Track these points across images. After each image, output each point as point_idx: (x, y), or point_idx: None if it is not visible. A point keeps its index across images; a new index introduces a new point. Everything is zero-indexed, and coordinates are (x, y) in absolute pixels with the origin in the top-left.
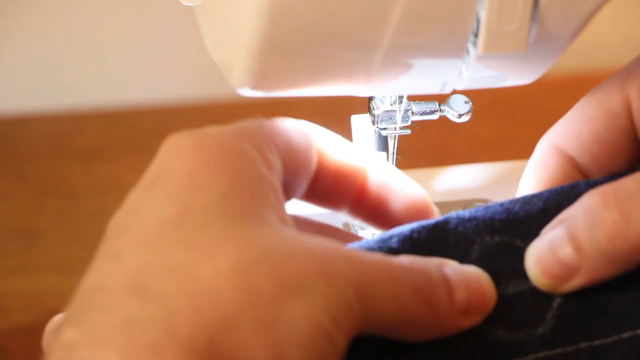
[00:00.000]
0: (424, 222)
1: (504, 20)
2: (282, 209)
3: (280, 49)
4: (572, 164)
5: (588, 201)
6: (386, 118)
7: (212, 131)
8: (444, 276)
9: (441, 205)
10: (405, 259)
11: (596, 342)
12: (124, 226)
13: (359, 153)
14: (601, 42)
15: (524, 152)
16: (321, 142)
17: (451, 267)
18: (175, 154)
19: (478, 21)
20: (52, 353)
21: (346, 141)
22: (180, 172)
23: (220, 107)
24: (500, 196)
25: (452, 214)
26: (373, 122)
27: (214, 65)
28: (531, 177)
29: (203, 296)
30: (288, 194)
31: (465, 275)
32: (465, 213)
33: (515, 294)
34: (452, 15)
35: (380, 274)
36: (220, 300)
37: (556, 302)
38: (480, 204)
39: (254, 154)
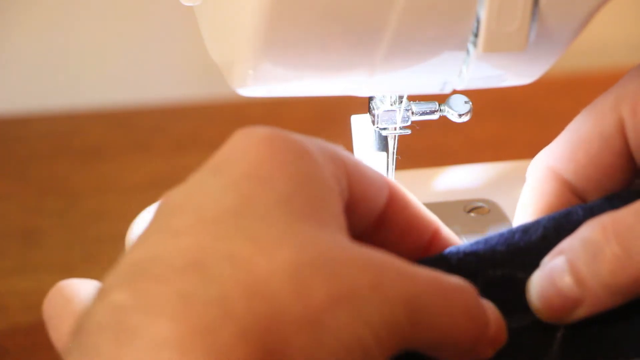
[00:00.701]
0: (425, 259)
1: (504, 20)
2: (342, 218)
3: (281, 49)
4: (569, 187)
5: (587, 234)
6: (386, 118)
7: (284, 132)
8: (484, 304)
9: (441, 205)
10: (456, 278)
11: None
12: (182, 206)
13: (430, 214)
14: (601, 42)
15: (524, 152)
16: (395, 189)
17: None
18: (245, 144)
19: (478, 21)
20: (98, 312)
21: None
22: (247, 162)
23: (220, 107)
24: (500, 196)
25: (452, 248)
26: (373, 122)
27: (214, 65)
28: (528, 203)
29: (258, 287)
30: (349, 221)
31: (492, 308)
32: (466, 247)
33: (520, 328)
34: (452, 15)
35: (434, 291)
36: (274, 294)
37: (560, 333)
38: (481, 204)
39: (321, 160)
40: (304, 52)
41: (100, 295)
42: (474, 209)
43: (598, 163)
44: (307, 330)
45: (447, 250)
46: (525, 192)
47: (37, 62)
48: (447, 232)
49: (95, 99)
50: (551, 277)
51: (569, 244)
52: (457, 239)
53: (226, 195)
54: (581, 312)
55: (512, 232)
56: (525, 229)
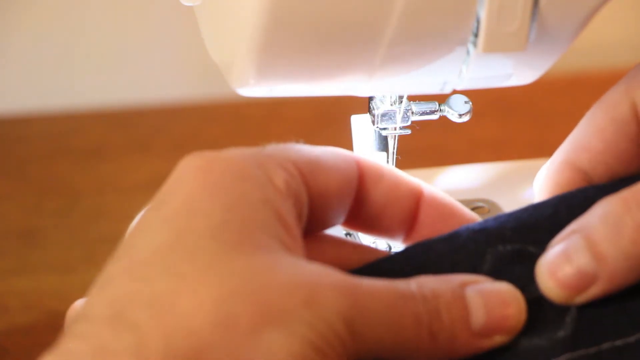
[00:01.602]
0: (432, 240)
1: (504, 20)
2: (288, 236)
3: (281, 48)
4: (584, 177)
5: (606, 208)
6: (386, 118)
7: (225, 154)
8: (459, 298)
9: None
10: (413, 284)
11: (618, 342)
12: (123, 250)
13: (410, 178)
14: (601, 42)
15: (524, 152)
16: (365, 164)
17: (473, 285)
18: (182, 175)
19: (478, 21)
20: None
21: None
22: (180, 196)
23: (220, 107)
24: (500, 196)
25: (462, 227)
26: (373, 122)
27: (214, 65)
28: (544, 195)
29: (177, 327)
30: (322, 219)
31: (487, 295)
32: (475, 225)
33: (533, 299)
34: (452, 16)
35: (377, 302)
36: (195, 330)
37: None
38: (481, 204)
39: (260, 178)
40: (303, 53)
41: None
42: (474, 209)
43: (613, 150)
44: (235, 359)
45: (455, 230)
46: (540, 185)
47: (37, 62)
48: (431, 192)
49: (95, 99)
50: (566, 255)
51: (584, 221)
52: (444, 196)
53: (158, 234)
54: (595, 291)
55: (523, 210)
56: (536, 206)
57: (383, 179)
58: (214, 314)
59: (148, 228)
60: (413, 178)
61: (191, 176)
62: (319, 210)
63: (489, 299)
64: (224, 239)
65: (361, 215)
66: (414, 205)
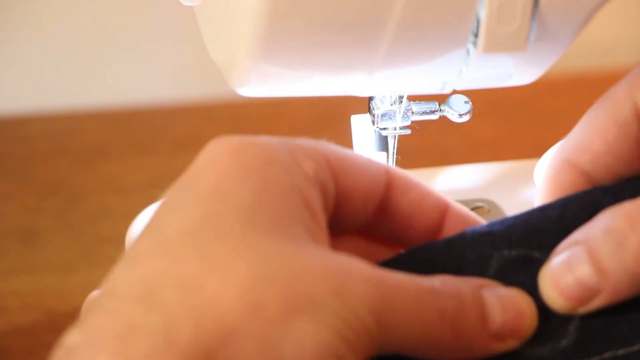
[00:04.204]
0: (436, 242)
1: (504, 20)
2: (315, 225)
3: (281, 48)
4: (586, 178)
5: (610, 222)
6: (386, 118)
7: (255, 139)
8: (478, 299)
9: None
10: (437, 281)
11: (621, 352)
12: (149, 228)
13: (437, 192)
14: (601, 42)
15: (524, 152)
16: (394, 174)
17: (490, 289)
18: (211, 158)
19: (478, 21)
20: (55, 356)
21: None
22: (212, 177)
23: (220, 107)
24: (500, 196)
25: (467, 230)
26: (373, 122)
27: (214, 65)
28: (546, 197)
29: (206, 308)
30: (345, 219)
31: (504, 299)
32: (481, 228)
33: (537, 307)
34: (452, 15)
35: (404, 295)
36: (224, 313)
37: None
38: (480, 204)
39: (290, 164)
40: (303, 54)
41: (62, 340)
42: (474, 209)
43: (615, 151)
44: (262, 344)
45: (461, 232)
46: (542, 185)
47: (37, 62)
48: (458, 208)
49: (95, 99)
50: (569, 266)
51: (587, 233)
52: (470, 214)
53: (188, 214)
54: (598, 303)
55: (528, 213)
56: (542, 210)
57: (411, 190)
58: (243, 298)
59: (177, 207)
60: (440, 193)
61: (221, 158)
62: (343, 209)
63: (505, 302)
64: (254, 224)
65: (384, 223)
66: (439, 220)
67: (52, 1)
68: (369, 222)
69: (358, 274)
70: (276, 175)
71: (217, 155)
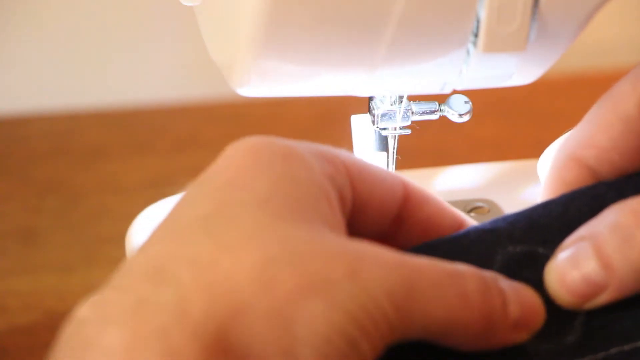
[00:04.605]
0: (443, 237)
1: (504, 20)
2: (332, 216)
3: (281, 48)
4: (591, 174)
5: (617, 219)
6: (386, 118)
7: (275, 138)
8: (499, 287)
9: None
10: (461, 265)
11: (627, 347)
12: (165, 220)
13: (453, 208)
14: (601, 42)
15: (524, 152)
16: (411, 188)
17: (504, 280)
18: (231, 156)
19: (478, 21)
20: (64, 330)
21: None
22: (230, 171)
23: (220, 107)
24: (500, 196)
25: (471, 227)
26: (373, 122)
27: (214, 65)
28: (550, 193)
29: (218, 285)
30: (360, 227)
31: (518, 290)
32: (485, 225)
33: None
34: (452, 15)
35: (426, 279)
36: (236, 289)
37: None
38: (480, 204)
39: (308, 162)
40: (303, 53)
41: (73, 313)
42: (474, 209)
43: (621, 147)
44: (275, 324)
45: (465, 229)
46: (547, 181)
47: (37, 62)
48: (472, 224)
49: (95, 99)
50: (575, 261)
51: (593, 229)
52: None
53: (203, 203)
54: (604, 298)
55: (532, 209)
56: (546, 205)
57: (427, 204)
58: (256, 276)
59: (193, 199)
60: (455, 209)
61: (240, 155)
62: (359, 218)
63: (521, 294)
64: (269, 210)
65: (400, 236)
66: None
67: (52, 1)
68: (384, 233)
69: (375, 258)
70: (294, 169)
71: (236, 153)
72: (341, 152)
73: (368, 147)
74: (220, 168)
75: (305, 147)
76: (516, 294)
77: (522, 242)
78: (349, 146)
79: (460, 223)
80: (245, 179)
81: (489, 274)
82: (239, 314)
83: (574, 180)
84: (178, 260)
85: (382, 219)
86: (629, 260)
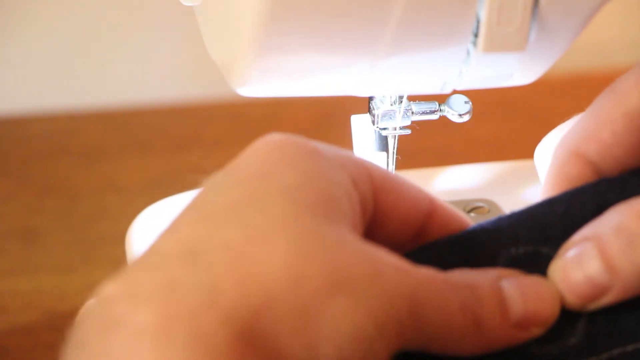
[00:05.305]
0: (444, 238)
1: (504, 20)
2: (352, 216)
3: (281, 48)
4: (593, 169)
5: (620, 220)
6: (386, 118)
7: (299, 137)
8: (496, 290)
9: None
10: (456, 275)
11: (629, 348)
12: (193, 204)
13: (419, 188)
14: (601, 42)
15: (524, 152)
16: (438, 205)
17: (509, 278)
18: (257, 149)
19: (478, 21)
20: (90, 306)
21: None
22: (258, 163)
23: (220, 107)
24: (500, 196)
25: (476, 226)
26: (373, 122)
27: (214, 65)
28: (552, 188)
29: (250, 273)
30: (379, 239)
31: (524, 287)
32: (487, 225)
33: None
34: (452, 15)
35: (431, 288)
36: (268, 279)
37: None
38: (481, 204)
39: (335, 162)
40: (303, 53)
41: (98, 290)
42: (474, 209)
43: (624, 142)
44: (301, 319)
45: (467, 230)
46: (549, 176)
47: (37, 62)
48: (443, 211)
49: (95, 99)
50: (579, 262)
51: (596, 230)
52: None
53: (232, 191)
54: (607, 300)
55: (534, 207)
56: (548, 204)
57: (453, 222)
58: (287, 268)
59: (220, 187)
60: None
61: (267, 149)
62: (380, 228)
63: (525, 289)
64: (298, 203)
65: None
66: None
67: (52, 1)
68: (405, 247)
69: (392, 264)
70: (320, 167)
71: (263, 147)
72: (366, 161)
73: (368, 147)
74: (248, 159)
75: (330, 148)
76: (520, 293)
77: (525, 243)
78: (349, 146)
79: None
80: (275, 170)
81: (486, 278)
82: (269, 305)
83: (576, 176)
84: (211, 243)
85: (404, 231)
86: (632, 263)
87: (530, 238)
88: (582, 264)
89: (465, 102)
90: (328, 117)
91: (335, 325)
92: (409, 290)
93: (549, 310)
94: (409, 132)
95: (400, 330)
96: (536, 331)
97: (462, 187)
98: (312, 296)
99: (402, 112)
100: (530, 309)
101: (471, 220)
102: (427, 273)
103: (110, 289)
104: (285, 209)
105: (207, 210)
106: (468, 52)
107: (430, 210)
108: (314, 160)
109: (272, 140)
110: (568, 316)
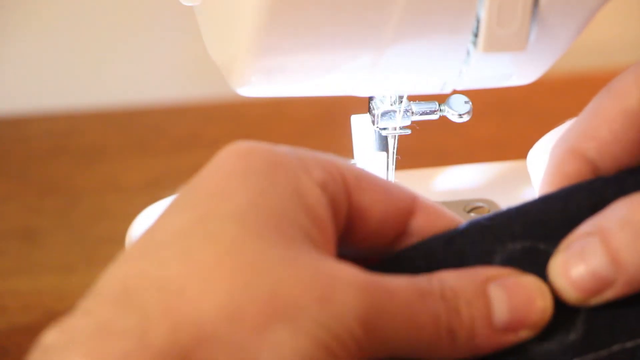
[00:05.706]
0: (436, 236)
1: (504, 20)
2: (317, 231)
3: (281, 48)
4: (591, 167)
5: (625, 213)
6: (386, 118)
7: (264, 144)
8: (481, 294)
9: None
10: (434, 280)
11: (629, 344)
12: (146, 232)
13: (400, 187)
14: (601, 42)
15: (524, 152)
16: (422, 203)
17: (497, 281)
18: (219, 160)
19: (478, 21)
20: (32, 356)
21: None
22: (214, 179)
23: (220, 107)
24: (500, 196)
25: (471, 222)
26: (373, 122)
27: (214, 65)
28: (550, 185)
29: (184, 312)
30: (360, 238)
31: (513, 290)
32: (483, 221)
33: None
34: (452, 15)
35: (396, 301)
36: (201, 318)
37: (585, 307)
38: (480, 204)
39: (298, 169)
40: (303, 53)
41: (39, 340)
42: (474, 209)
43: (622, 140)
44: (238, 352)
45: (463, 225)
46: (547, 174)
47: (37, 62)
48: (427, 208)
49: (95, 99)
50: (582, 257)
51: (600, 224)
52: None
53: (183, 215)
54: (610, 294)
55: (531, 204)
56: (545, 200)
57: (440, 220)
58: (222, 306)
59: (173, 211)
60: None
61: (229, 161)
62: (358, 229)
63: (513, 293)
64: (248, 225)
65: (351, 236)
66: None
67: (52, 1)
68: (389, 247)
69: (347, 280)
70: (279, 178)
71: (225, 159)
72: (339, 160)
73: (368, 147)
74: (207, 174)
75: (295, 153)
76: (507, 296)
77: (522, 238)
78: (349, 146)
79: None
80: (228, 188)
81: (471, 281)
82: (203, 344)
83: (574, 173)
84: (146, 283)
85: (384, 231)
86: (638, 256)
87: (527, 233)
88: (586, 258)
89: (465, 102)
90: (328, 117)
91: (276, 355)
92: (364, 306)
93: (538, 314)
94: (409, 132)
95: (357, 349)
96: (526, 334)
97: (462, 187)
98: (249, 331)
99: (402, 112)
100: (518, 313)
101: (461, 218)
102: (391, 284)
103: (48, 337)
104: (233, 235)
105: (153, 241)
106: (468, 52)
107: (412, 209)
108: (273, 173)
109: (236, 151)
110: (567, 313)
